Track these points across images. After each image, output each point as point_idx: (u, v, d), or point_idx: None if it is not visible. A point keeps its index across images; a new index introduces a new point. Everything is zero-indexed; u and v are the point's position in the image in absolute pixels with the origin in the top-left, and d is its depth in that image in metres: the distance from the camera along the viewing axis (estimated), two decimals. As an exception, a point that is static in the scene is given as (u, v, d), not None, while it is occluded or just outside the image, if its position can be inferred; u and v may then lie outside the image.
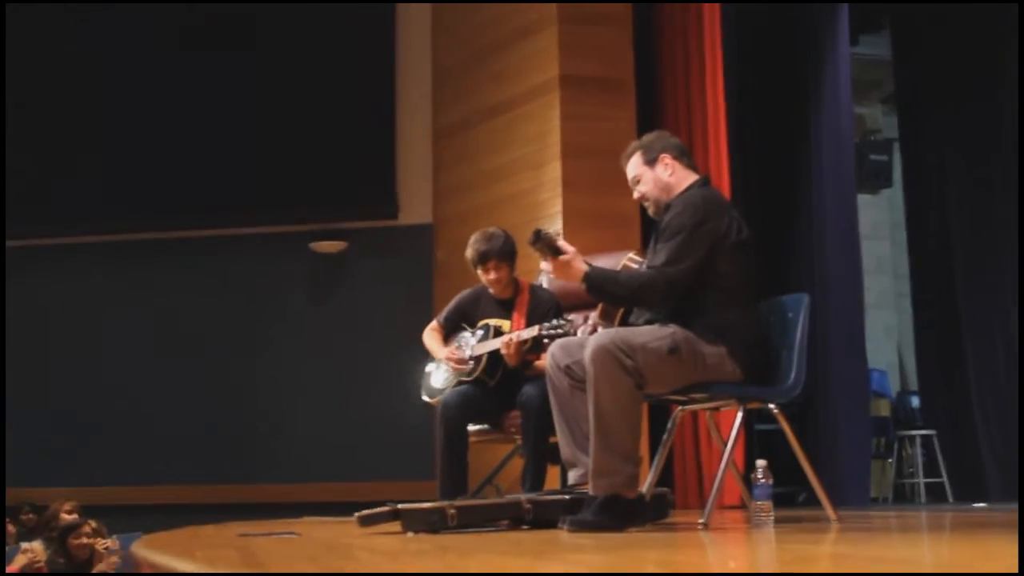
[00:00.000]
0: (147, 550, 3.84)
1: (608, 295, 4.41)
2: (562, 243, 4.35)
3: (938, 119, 9.18)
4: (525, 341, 5.47)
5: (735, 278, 4.35)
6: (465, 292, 6.03)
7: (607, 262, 4.54)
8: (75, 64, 9.54)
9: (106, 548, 6.21)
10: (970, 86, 8.84)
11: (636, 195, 4.63)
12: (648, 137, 4.67)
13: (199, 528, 5.14)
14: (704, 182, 4.58)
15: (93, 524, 6.26)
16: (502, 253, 5.75)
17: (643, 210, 7.19)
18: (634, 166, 4.60)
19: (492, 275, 5.77)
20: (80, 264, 9.53)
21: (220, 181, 9.27)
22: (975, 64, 8.78)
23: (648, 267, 4.38)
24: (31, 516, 8.05)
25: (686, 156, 4.61)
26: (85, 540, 6.02)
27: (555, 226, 7.48)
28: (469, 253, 5.80)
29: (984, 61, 8.67)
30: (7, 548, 6.68)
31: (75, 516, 6.61)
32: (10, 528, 7.64)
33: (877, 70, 11.60)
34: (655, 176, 4.54)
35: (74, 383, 9.32)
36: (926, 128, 9.28)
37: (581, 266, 4.31)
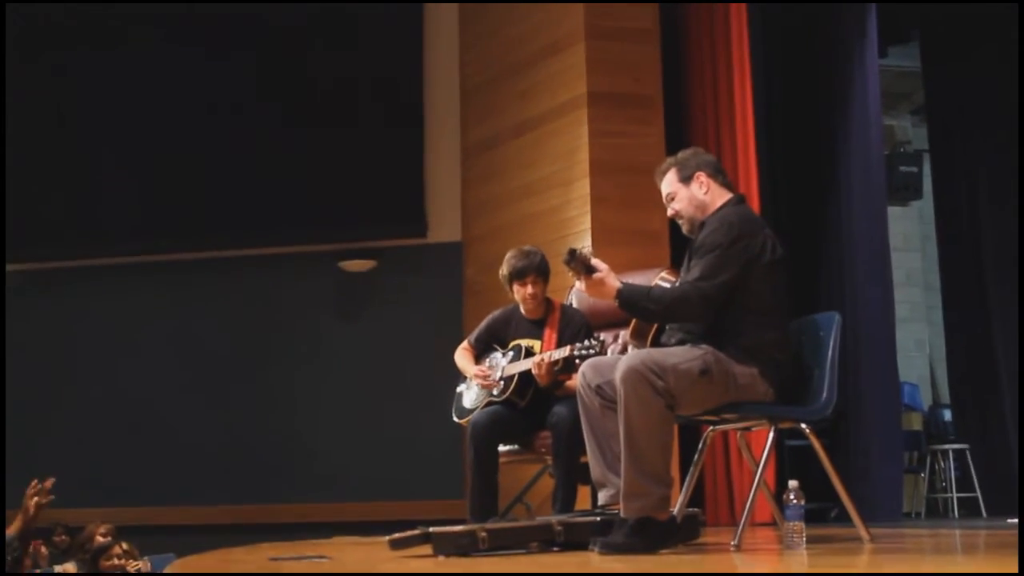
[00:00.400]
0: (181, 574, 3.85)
1: (641, 311, 4.38)
2: (595, 261, 4.34)
3: (968, 130, 9.15)
4: (556, 362, 5.46)
5: (768, 298, 4.33)
6: (496, 312, 6.03)
7: (638, 280, 4.53)
8: (103, 86, 9.57)
9: (137, 569, 6.21)
10: (1000, 96, 8.80)
11: (670, 212, 4.61)
12: (683, 154, 4.65)
13: (230, 551, 5.14)
14: (739, 200, 4.55)
15: (125, 546, 6.26)
16: (540, 269, 5.76)
17: (673, 227, 7.18)
18: (669, 183, 4.58)
19: (529, 290, 5.75)
20: (110, 285, 9.56)
21: (249, 201, 9.28)
22: (1005, 74, 8.73)
23: (682, 283, 4.36)
24: (64, 538, 8.08)
25: (721, 174, 4.59)
26: (116, 561, 6.03)
27: (584, 243, 7.47)
28: (505, 269, 5.79)
29: (1014, 71, 8.61)
30: (41, 570, 6.71)
31: (109, 539, 6.62)
32: (43, 550, 7.66)
33: (906, 81, 11.58)
34: (690, 194, 4.52)
35: (105, 403, 9.35)
36: (956, 139, 9.24)
37: (614, 283, 4.30)
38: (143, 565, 6.24)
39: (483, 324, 6.04)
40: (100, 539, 6.68)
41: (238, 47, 9.43)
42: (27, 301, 9.54)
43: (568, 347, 5.40)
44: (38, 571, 6.65)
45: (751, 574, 3.31)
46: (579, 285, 4.42)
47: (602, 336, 5.77)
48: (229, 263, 9.41)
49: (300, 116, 9.28)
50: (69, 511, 8.45)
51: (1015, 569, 2.41)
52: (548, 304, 5.86)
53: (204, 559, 4.72)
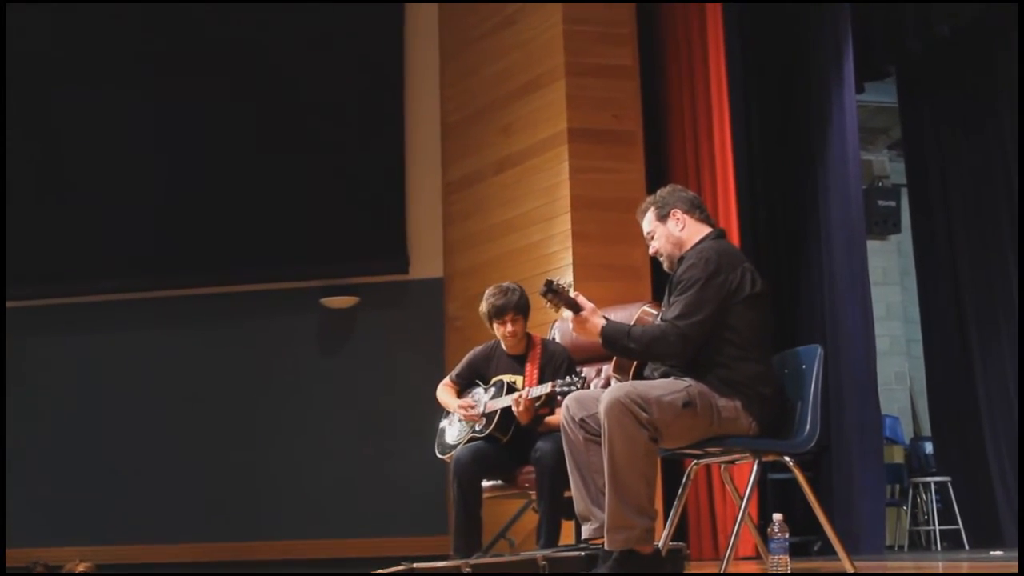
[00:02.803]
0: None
1: (622, 350, 4.40)
2: (581, 300, 4.36)
3: (945, 164, 9.22)
4: (538, 398, 5.47)
5: (749, 331, 4.34)
6: (477, 348, 6.04)
7: (622, 314, 4.55)
8: (82, 124, 9.57)
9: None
10: (976, 131, 8.88)
11: (651, 250, 4.66)
12: (661, 192, 4.69)
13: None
14: (718, 235, 4.58)
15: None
16: (518, 307, 5.77)
17: (654, 262, 7.23)
18: (648, 221, 4.63)
19: (509, 328, 5.77)
20: (90, 323, 9.51)
21: (230, 238, 9.27)
22: (981, 109, 8.83)
23: (662, 320, 4.38)
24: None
25: (699, 209, 4.61)
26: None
27: (566, 278, 7.48)
28: (484, 308, 5.81)
29: (990, 107, 8.71)
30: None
31: None
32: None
33: (883, 117, 11.67)
34: (667, 231, 4.57)
35: (84, 441, 9.29)
36: (933, 173, 9.30)
37: (599, 321, 4.33)
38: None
39: (464, 360, 6.04)
40: None
41: (220, 87, 9.44)
42: (8, 339, 9.49)
43: (550, 384, 5.41)
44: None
45: None
46: (565, 315, 4.43)
47: (584, 371, 5.80)
48: (211, 300, 9.38)
49: (281, 153, 9.28)
50: (49, 550, 8.42)
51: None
52: (529, 340, 5.87)
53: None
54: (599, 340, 4.36)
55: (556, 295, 4.33)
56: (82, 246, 9.42)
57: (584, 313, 4.34)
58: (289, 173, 9.25)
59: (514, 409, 5.53)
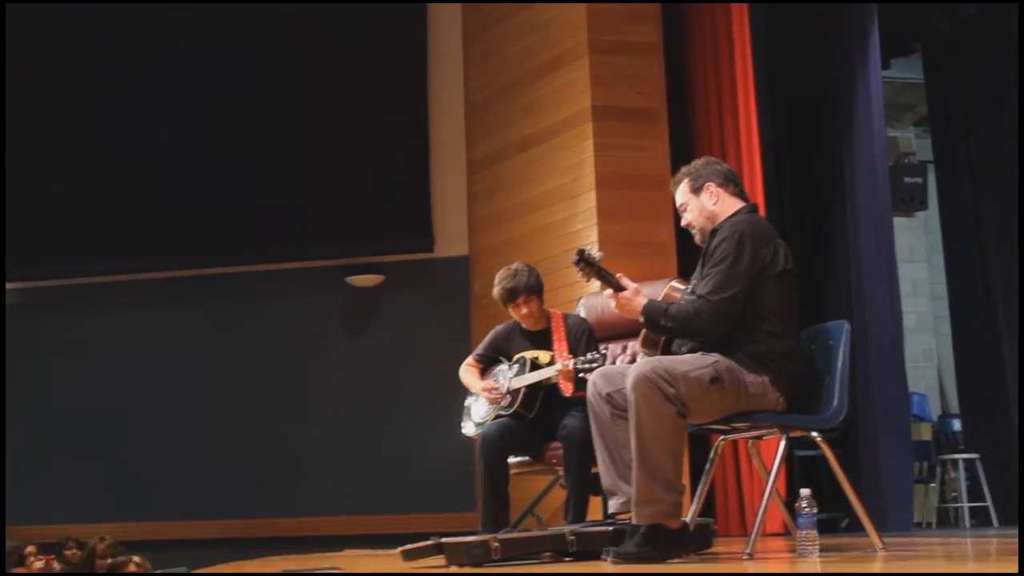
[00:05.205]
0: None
1: (660, 329, 4.39)
2: (625, 280, 4.38)
3: (972, 140, 9.16)
4: (583, 367, 5.39)
5: (779, 307, 4.33)
6: (499, 327, 6.06)
7: (648, 291, 4.53)
8: (108, 103, 9.62)
9: (148, 583, 6.23)
10: (1003, 106, 8.81)
11: (683, 222, 4.65)
12: (696, 163, 4.66)
13: (242, 564, 5.16)
14: (751, 209, 4.55)
15: (137, 559, 6.28)
16: (529, 287, 5.78)
17: (679, 238, 7.24)
18: (681, 193, 4.61)
19: (524, 310, 5.80)
20: (119, 302, 9.59)
21: (256, 217, 9.32)
22: (1007, 85, 8.76)
23: (694, 293, 4.37)
24: (75, 551, 8.13)
25: (733, 183, 4.58)
26: (131, 580, 6.05)
27: (595, 251, 7.48)
28: (496, 292, 5.83)
29: (1016, 82, 8.64)
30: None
31: (115, 553, 6.62)
32: (55, 565, 7.71)
33: (910, 93, 11.61)
34: (700, 204, 4.54)
35: (114, 418, 9.38)
36: (960, 149, 9.26)
37: (641, 301, 4.34)
38: (155, 580, 6.27)
39: (486, 339, 6.07)
40: (100, 561, 6.66)
41: (243, 64, 9.47)
42: (33, 318, 9.57)
43: (572, 360, 5.42)
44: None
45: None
46: (605, 295, 4.43)
47: (610, 347, 5.82)
48: (237, 279, 9.44)
49: (306, 132, 9.33)
50: (79, 526, 8.50)
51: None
52: (548, 316, 5.88)
53: (217, 572, 4.73)
54: (641, 319, 4.36)
55: (588, 264, 4.35)
56: (109, 226, 9.49)
57: (627, 293, 4.36)
58: (315, 152, 9.29)
59: (560, 381, 5.51)
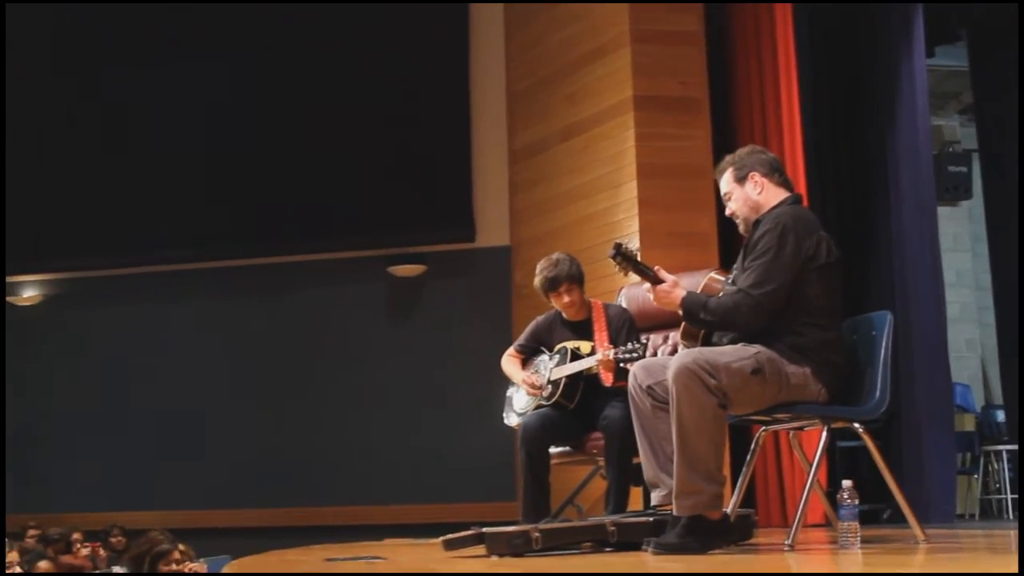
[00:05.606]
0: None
1: (699, 322, 4.39)
2: (663, 273, 4.38)
3: (1017, 129, 9.07)
4: (623, 358, 5.42)
5: (822, 299, 4.31)
6: (539, 318, 6.08)
7: (688, 281, 4.53)
8: (152, 93, 9.72)
9: (192, 571, 6.28)
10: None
11: (727, 211, 4.63)
12: (741, 152, 4.63)
13: (285, 552, 5.19)
14: (795, 200, 4.51)
15: (181, 547, 6.34)
16: (571, 276, 5.80)
17: (721, 228, 7.22)
18: (726, 182, 4.58)
19: (565, 299, 5.81)
20: (164, 292, 9.72)
21: (299, 208, 9.42)
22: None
23: (735, 285, 4.36)
24: (121, 539, 8.27)
25: (778, 172, 4.55)
26: (175, 567, 6.10)
27: (632, 245, 7.49)
28: (538, 282, 5.85)
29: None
30: (99, 571, 6.82)
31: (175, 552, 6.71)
32: (101, 552, 7.83)
33: (954, 81, 11.51)
34: (744, 194, 4.52)
35: (159, 408, 9.49)
36: (1005, 138, 9.16)
37: (680, 293, 4.34)
38: (200, 567, 6.32)
39: (527, 330, 6.10)
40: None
41: (291, 58, 9.55)
42: (78, 308, 9.69)
43: (613, 350, 5.43)
44: (97, 572, 6.76)
45: (811, 574, 3.30)
46: (644, 288, 4.44)
47: (651, 338, 5.81)
48: (281, 268, 9.54)
49: (349, 123, 9.39)
50: (124, 514, 8.62)
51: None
52: (588, 306, 5.90)
53: (260, 560, 4.76)
54: (680, 312, 4.37)
55: (624, 258, 4.35)
56: (157, 218, 9.61)
57: (665, 286, 4.35)
58: (358, 144, 9.36)
59: (601, 371, 5.53)
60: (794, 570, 3.61)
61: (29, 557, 5.79)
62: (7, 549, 5.82)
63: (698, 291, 4.44)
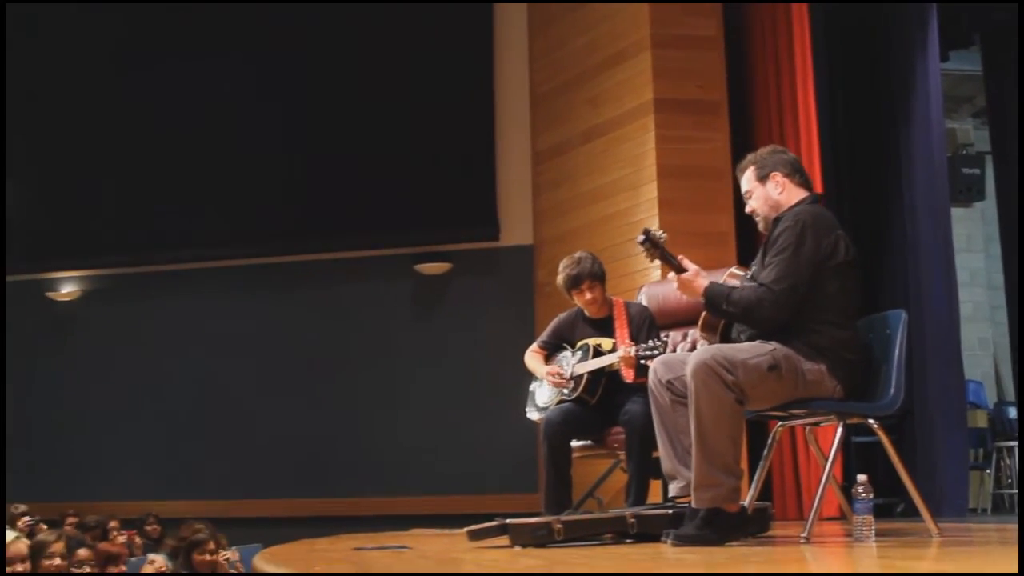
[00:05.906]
0: (268, 563, 3.94)
1: (721, 313, 4.44)
2: (686, 262, 4.45)
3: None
4: (644, 355, 5.48)
5: (839, 297, 4.35)
6: (562, 315, 6.14)
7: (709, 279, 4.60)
8: (184, 92, 9.85)
9: (227, 560, 6.41)
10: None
11: (747, 209, 4.67)
12: (762, 151, 4.68)
13: (314, 542, 5.24)
14: (814, 199, 4.55)
15: (220, 539, 6.46)
16: (592, 274, 5.87)
17: (739, 228, 7.31)
18: (747, 180, 4.63)
19: (587, 296, 5.88)
20: (198, 288, 9.86)
21: (327, 207, 9.52)
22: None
23: (755, 280, 4.41)
24: (156, 527, 8.41)
25: (799, 172, 4.60)
26: (209, 557, 6.21)
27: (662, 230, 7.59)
28: (560, 280, 5.91)
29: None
30: (133, 559, 6.95)
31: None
32: (137, 539, 7.98)
33: (968, 85, 11.59)
34: (765, 193, 4.56)
35: (192, 400, 9.64)
36: (1017, 141, 9.25)
37: (703, 282, 4.42)
38: (233, 555, 6.44)
39: (550, 327, 6.15)
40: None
41: (315, 56, 9.65)
42: (115, 303, 9.84)
43: (634, 347, 5.54)
44: (133, 558, 6.89)
45: (827, 573, 3.36)
46: (668, 276, 4.53)
47: (671, 335, 5.90)
48: (312, 266, 9.67)
49: (375, 123, 9.49)
50: (158, 503, 8.78)
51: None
52: (610, 304, 5.96)
53: (290, 548, 4.83)
54: (702, 300, 4.44)
55: (653, 245, 4.43)
56: (189, 215, 9.73)
57: (688, 275, 4.43)
58: (384, 144, 9.45)
59: (622, 368, 5.63)
60: (810, 561, 3.67)
61: (70, 545, 5.94)
62: (48, 537, 5.97)
63: None
